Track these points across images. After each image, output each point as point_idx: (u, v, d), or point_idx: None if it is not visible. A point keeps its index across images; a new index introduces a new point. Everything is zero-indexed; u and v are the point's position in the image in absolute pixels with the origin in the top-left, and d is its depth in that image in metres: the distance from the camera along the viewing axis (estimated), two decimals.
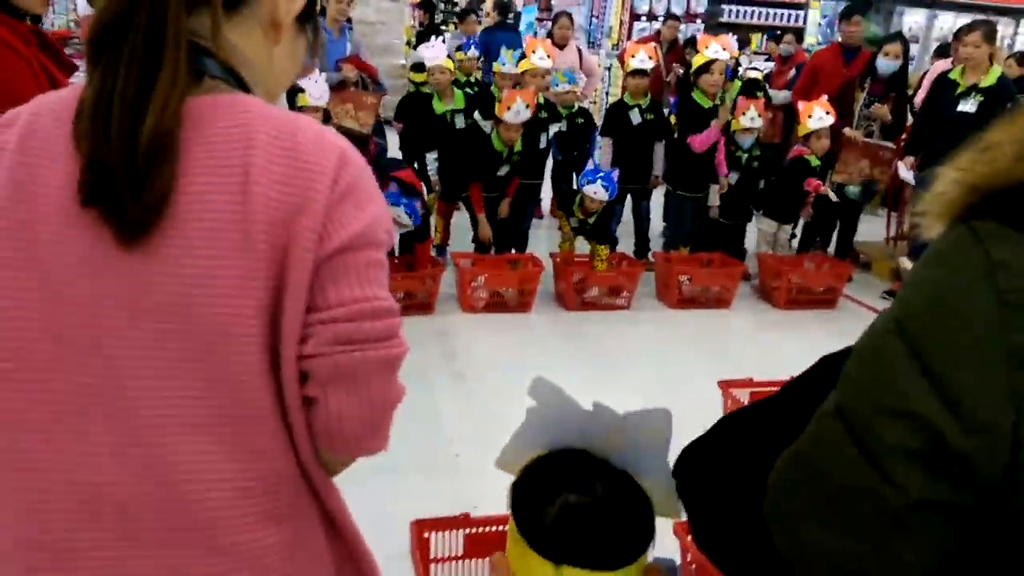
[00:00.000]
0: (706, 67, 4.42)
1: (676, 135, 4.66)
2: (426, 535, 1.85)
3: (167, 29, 0.69)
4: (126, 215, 0.67)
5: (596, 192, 4.19)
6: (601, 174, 4.22)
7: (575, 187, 4.51)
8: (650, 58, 4.61)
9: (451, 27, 13.19)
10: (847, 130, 4.83)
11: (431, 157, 4.55)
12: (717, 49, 4.41)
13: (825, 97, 4.55)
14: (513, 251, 4.59)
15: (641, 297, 4.44)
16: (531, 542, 0.82)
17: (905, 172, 4.53)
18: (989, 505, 0.53)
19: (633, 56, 4.58)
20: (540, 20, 12.07)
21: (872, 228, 5.92)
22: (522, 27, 11.95)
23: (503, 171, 4.36)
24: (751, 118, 4.50)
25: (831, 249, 5.24)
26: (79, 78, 0.92)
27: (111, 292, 0.69)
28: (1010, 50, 8.19)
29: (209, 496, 0.71)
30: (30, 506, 0.71)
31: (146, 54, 0.69)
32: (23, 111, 0.75)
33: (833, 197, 4.52)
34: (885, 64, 4.81)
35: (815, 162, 4.52)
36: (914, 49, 10.34)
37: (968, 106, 4.21)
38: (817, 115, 4.44)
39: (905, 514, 0.54)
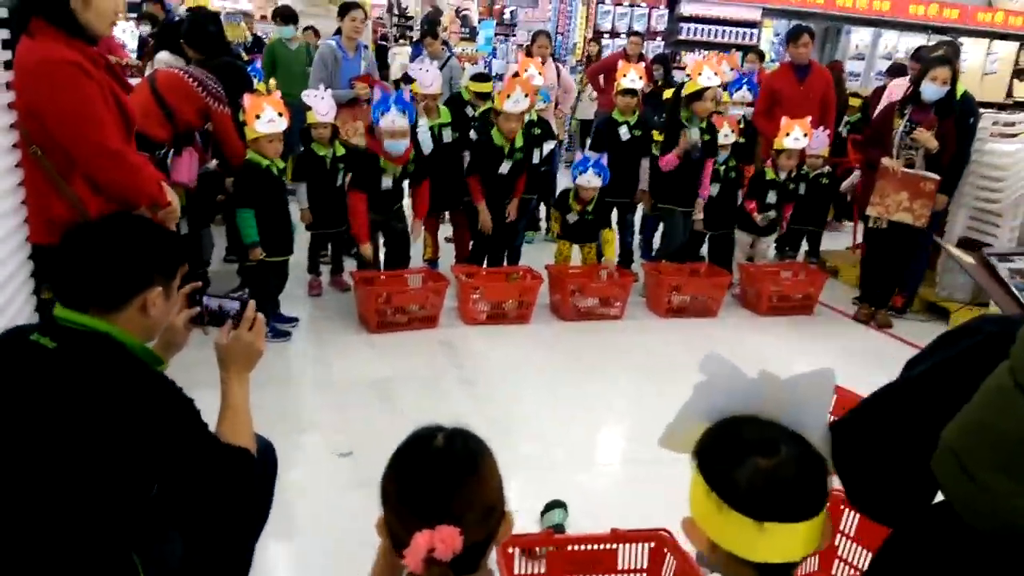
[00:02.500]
0: (699, 94, 4.51)
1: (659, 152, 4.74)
2: (510, 551, 1.91)
3: None
4: None
5: (590, 180, 4.37)
6: (591, 162, 4.36)
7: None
8: (640, 78, 4.78)
9: (407, 42, 13.25)
10: (886, 160, 4.34)
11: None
12: (710, 75, 4.51)
13: (785, 120, 4.70)
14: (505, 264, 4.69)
15: (631, 307, 4.59)
16: (731, 503, 0.92)
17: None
18: None
19: (624, 75, 4.75)
20: (498, 35, 12.22)
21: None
22: (480, 42, 12.09)
23: (505, 167, 4.39)
24: (725, 135, 4.74)
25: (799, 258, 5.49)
26: None
27: None
28: None
29: None
30: None
31: None
32: None
33: (758, 219, 4.80)
34: (932, 90, 4.21)
35: (770, 175, 4.82)
36: (859, 67, 10.86)
37: None
38: (793, 136, 4.68)
39: None
